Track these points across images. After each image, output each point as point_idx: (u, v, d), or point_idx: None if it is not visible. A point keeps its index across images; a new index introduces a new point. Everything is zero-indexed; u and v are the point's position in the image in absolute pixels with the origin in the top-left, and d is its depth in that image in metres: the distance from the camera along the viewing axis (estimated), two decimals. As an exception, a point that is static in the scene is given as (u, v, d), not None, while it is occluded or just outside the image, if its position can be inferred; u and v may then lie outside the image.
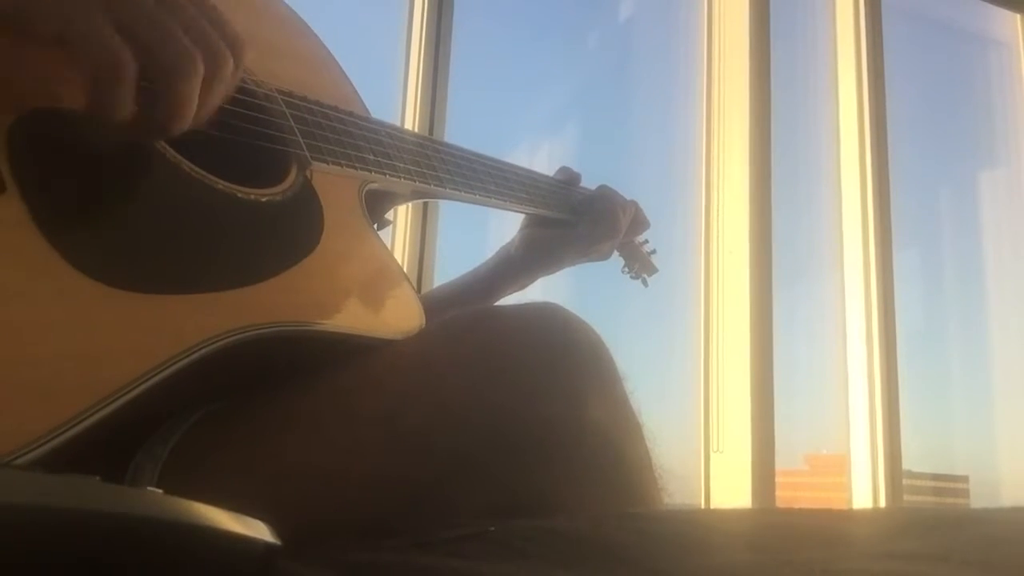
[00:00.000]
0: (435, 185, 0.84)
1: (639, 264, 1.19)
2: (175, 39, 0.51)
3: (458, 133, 1.66)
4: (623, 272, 1.19)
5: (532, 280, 1.07)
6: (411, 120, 1.68)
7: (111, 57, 0.48)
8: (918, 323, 2.45)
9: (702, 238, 2.07)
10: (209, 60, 0.52)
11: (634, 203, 1.12)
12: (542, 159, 1.03)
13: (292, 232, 0.64)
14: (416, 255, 1.62)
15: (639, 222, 1.14)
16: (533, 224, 1.06)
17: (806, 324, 2.36)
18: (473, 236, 1.89)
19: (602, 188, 1.11)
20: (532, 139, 2.02)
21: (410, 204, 1.40)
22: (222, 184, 0.60)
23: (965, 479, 2.57)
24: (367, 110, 0.83)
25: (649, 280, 1.21)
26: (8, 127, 0.50)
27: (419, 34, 1.73)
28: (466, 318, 0.66)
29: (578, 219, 1.06)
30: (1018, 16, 2.75)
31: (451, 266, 1.68)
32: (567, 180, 1.10)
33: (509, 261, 1.05)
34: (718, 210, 2.08)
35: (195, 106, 0.52)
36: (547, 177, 1.08)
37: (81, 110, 0.52)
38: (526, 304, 0.71)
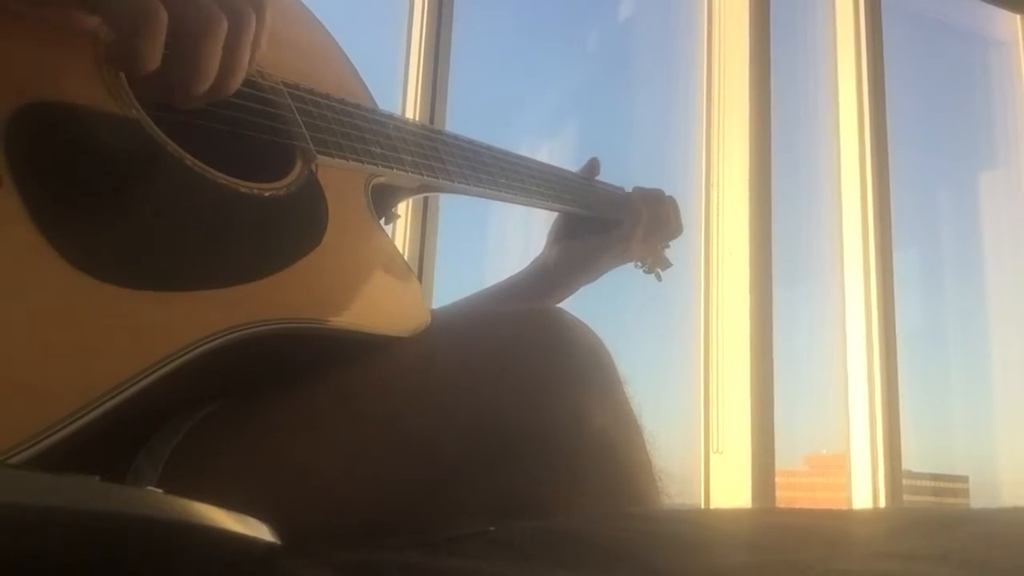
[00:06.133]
0: (443, 179, 0.83)
1: (652, 258, 1.18)
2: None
3: (458, 132, 1.66)
4: (636, 267, 1.17)
5: (573, 292, 1.04)
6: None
7: (144, 5, 0.50)
8: (918, 323, 2.46)
9: (702, 238, 2.07)
10: (233, 20, 0.54)
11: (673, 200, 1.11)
12: (542, 159, 1.02)
13: (295, 228, 0.64)
14: (416, 250, 1.62)
15: (675, 223, 1.12)
16: (565, 236, 1.03)
17: (806, 324, 2.36)
18: (473, 231, 1.90)
19: (638, 189, 1.09)
20: (532, 139, 2.03)
21: (410, 199, 1.40)
22: (224, 178, 0.60)
23: (965, 479, 2.57)
24: (374, 102, 0.82)
25: (663, 274, 1.19)
26: (7, 120, 0.49)
27: (419, 34, 1.73)
28: (469, 321, 0.66)
29: (607, 217, 1.04)
30: (1018, 16, 2.75)
31: (451, 261, 1.68)
32: (588, 172, 1.08)
33: (549, 278, 1.02)
34: (718, 210, 2.08)
35: (216, 68, 0.54)
36: (565, 171, 1.05)
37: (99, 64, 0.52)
38: (527, 307, 0.71)
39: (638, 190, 1.10)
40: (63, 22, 0.55)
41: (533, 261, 1.05)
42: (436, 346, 0.65)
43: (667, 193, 1.13)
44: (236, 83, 0.57)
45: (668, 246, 1.19)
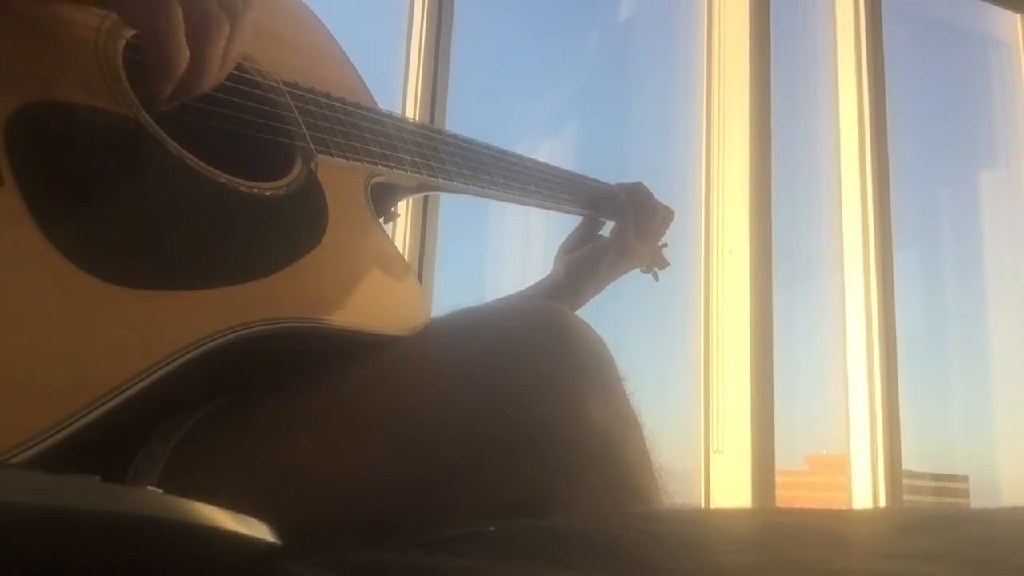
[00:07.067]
0: (442, 178, 0.83)
1: (650, 257, 1.18)
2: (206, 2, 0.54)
3: (457, 132, 1.67)
4: None
5: (582, 303, 1.04)
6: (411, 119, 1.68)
7: (167, 9, 0.51)
8: (918, 323, 2.45)
9: (702, 239, 2.07)
10: (234, 19, 0.55)
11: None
12: (542, 159, 1.02)
13: (295, 227, 0.64)
14: (416, 250, 1.62)
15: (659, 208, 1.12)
16: (568, 249, 1.05)
17: (806, 324, 2.36)
18: (473, 231, 1.90)
19: (618, 184, 1.09)
20: (532, 139, 2.03)
21: (411, 198, 1.40)
22: (225, 178, 0.60)
23: (965, 479, 2.57)
24: (374, 101, 0.82)
25: (660, 274, 1.20)
26: (7, 120, 0.49)
27: (419, 33, 1.73)
28: (469, 319, 0.66)
29: (607, 216, 1.05)
30: (1018, 16, 2.75)
31: (451, 261, 1.68)
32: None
33: (556, 290, 1.03)
34: (718, 210, 2.08)
35: (219, 65, 0.55)
36: (563, 170, 1.05)
37: (81, 104, 0.52)
38: (527, 306, 0.71)
39: (618, 185, 1.09)
40: (72, 16, 0.55)
41: (544, 280, 1.05)
42: (435, 344, 0.65)
43: (666, 192, 1.13)
44: (223, 78, 0.59)
45: (666, 244, 1.19)
